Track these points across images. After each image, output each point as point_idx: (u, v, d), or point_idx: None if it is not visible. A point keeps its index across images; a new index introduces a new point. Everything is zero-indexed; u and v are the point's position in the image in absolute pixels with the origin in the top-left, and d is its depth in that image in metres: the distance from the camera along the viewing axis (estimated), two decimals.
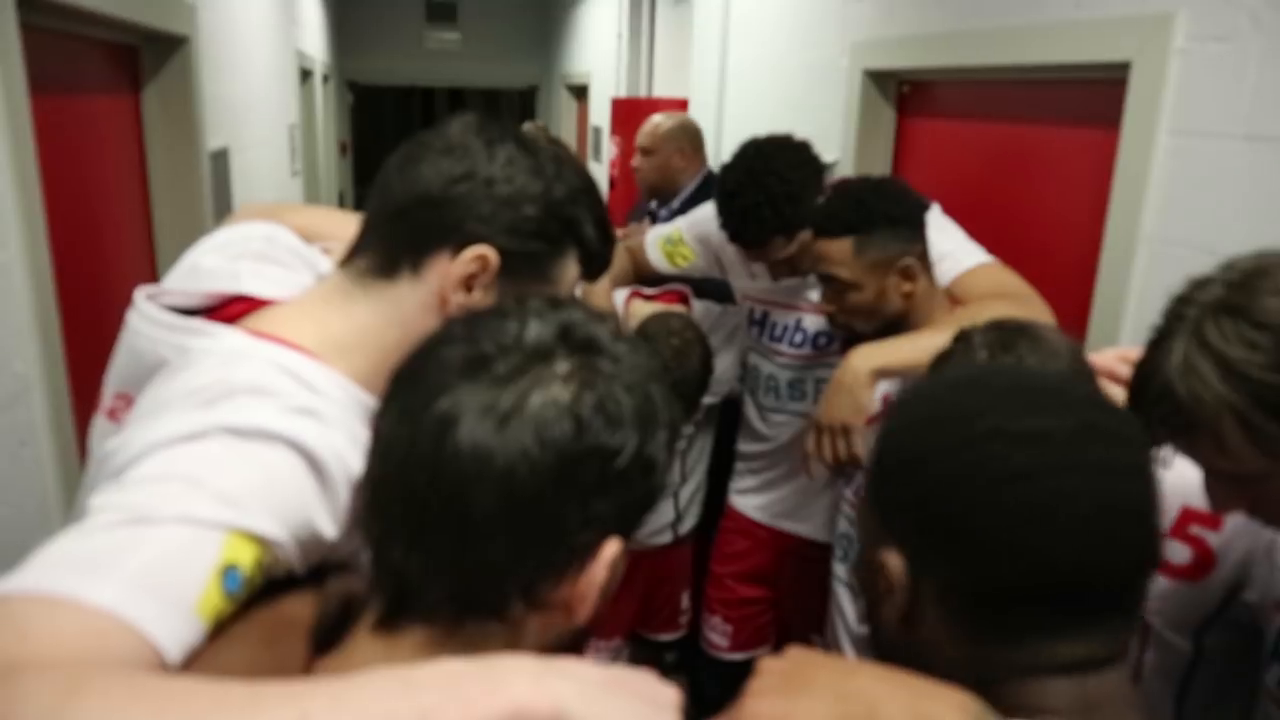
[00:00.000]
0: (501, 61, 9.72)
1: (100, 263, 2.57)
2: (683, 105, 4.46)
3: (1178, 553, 1.25)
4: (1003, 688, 0.74)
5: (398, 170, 0.97)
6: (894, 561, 0.78)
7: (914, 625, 0.79)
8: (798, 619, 2.39)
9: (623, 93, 6.19)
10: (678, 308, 2.46)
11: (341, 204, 8.70)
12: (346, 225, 1.15)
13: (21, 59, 1.80)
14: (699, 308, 2.52)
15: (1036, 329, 1.33)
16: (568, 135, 8.65)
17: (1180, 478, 1.09)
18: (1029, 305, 1.68)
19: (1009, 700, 0.73)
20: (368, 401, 0.88)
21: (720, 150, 3.61)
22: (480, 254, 0.93)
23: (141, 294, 0.98)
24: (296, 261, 1.10)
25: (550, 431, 0.66)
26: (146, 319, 0.96)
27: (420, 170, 0.95)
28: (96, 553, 0.68)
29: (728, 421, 2.54)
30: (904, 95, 2.92)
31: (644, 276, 2.51)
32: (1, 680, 0.57)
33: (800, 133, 2.08)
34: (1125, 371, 1.05)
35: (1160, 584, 1.25)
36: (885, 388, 1.76)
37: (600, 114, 6.84)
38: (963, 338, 1.35)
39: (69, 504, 1.99)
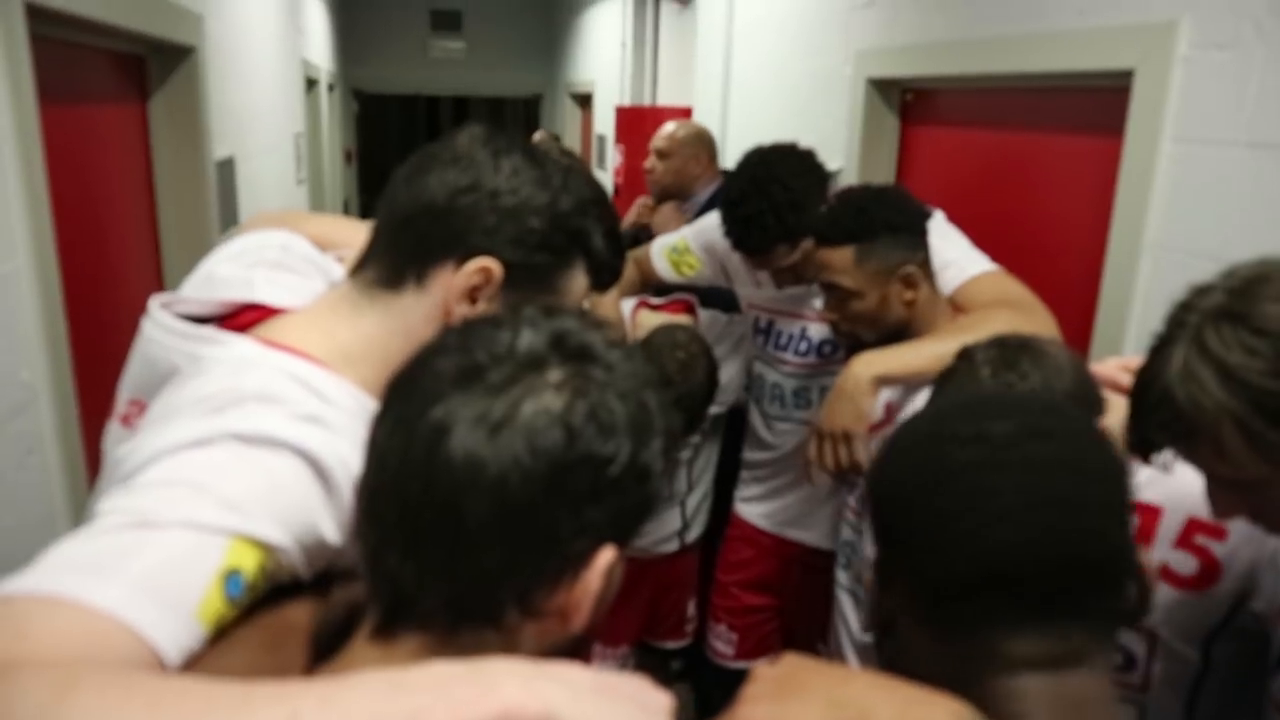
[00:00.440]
0: (506, 70, 9.74)
1: (107, 271, 2.58)
2: (687, 113, 4.47)
3: (1184, 563, 1.25)
4: (979, 688, 0.75)
5: (405, 181, 0.97)
6: (868, 577, 0.82)
7: (893, 631, 0.82)
8: (803, 627, 2.38)
9: (627, 101, 6.20)
10: (684, 318, 2.47)
11: (346, 212, 8.71)
12: (361, 233, 1.16)
13: (31, 69, 1.81)
14: (705, 317, 2.52)
15: (1039, 344, 1.33)
16: (572, 143, 8.66)
17: (1184, 488, 1.09)
18: (1033, 314, 1.68)
19: (986, 700, 0.74)
20: (374, 409, 0.89)
21: (724, 158, 3.61)
22: (484, 266, 0.94)
23: (156, 302, 0.99)
24: (311, 269, 1.11)
25: (542, 440, 0.66)
26: (160, 327, 0.97)
27: (426, 181, 0.95)
28: (100, 555, 0.68)
29: (734, 430, 2.54)
30: (907, 103, 2.92)
31: (650, 285, 2.52)
32: None
33: (804, 141, 2.09)
34: (1127, 380, 1.05)
35: (1167, 594, 1.25)
36: (887, 395, 1.76)
37: (604, 122, 6.85)
38: (965, 355, 1.35)
39: (76, 512, 2.00)
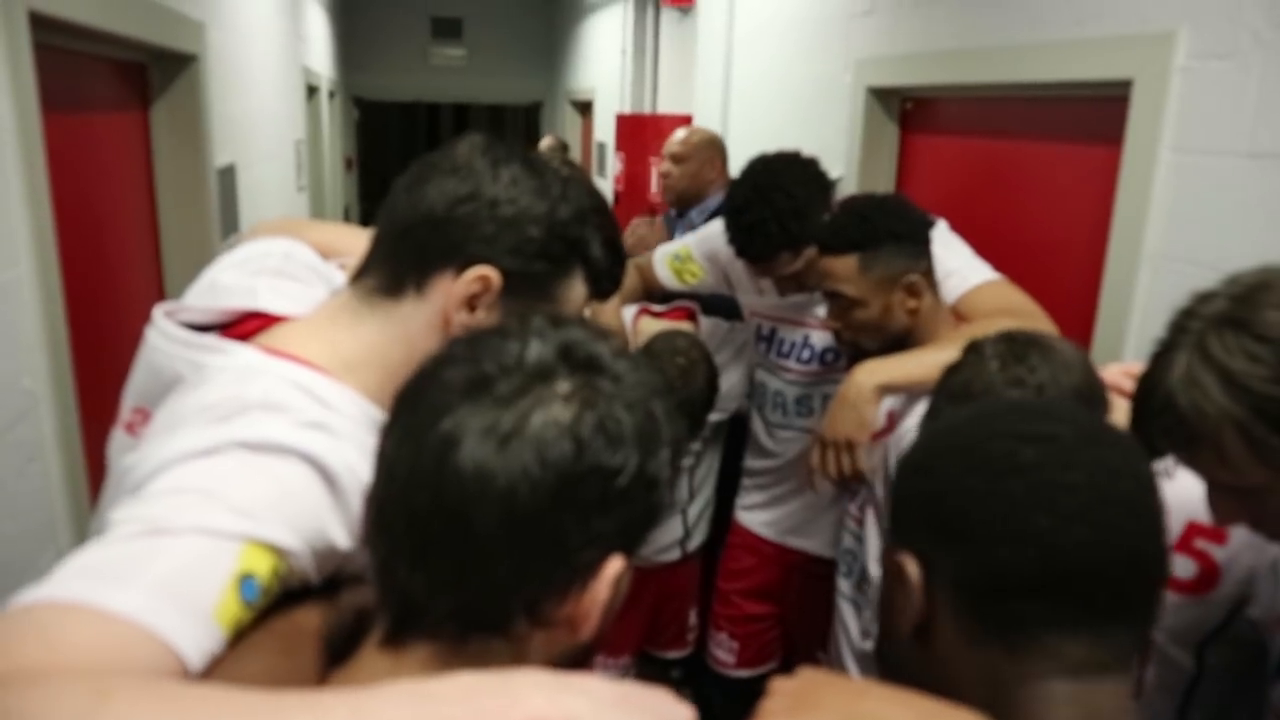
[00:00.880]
0: (506, 77, 9.76)
1: (109, 278, 2.58)
2: (687, 121, 4.48)
3: (1182, 567, 1.25)
4: (1012, 697, 0.75)
5: (405, 190, 0.98)
6: (912, 569, 0.80)
7: (928, 635, 0.81)
8: (804, 635, 2.38)
9: (627, 108, 6.21)
10: (685, 325, 2.47)
11: (347, 219, 8.72)
12: (362, 241, 1.16)
13: (34, 77, 1.82)
14: (707, 324, 2.52)
15: (1048, 340, 1.33)
16: (572, 151, 8.67)
17: (1185, 493, 1.09)
18: (1034, 322, 1.68)
19: (1012, 705, 0.74)
20: (377, 415, 0.90)
21: None
22: (483, 274, 0.94)
23: (160, 311, 1.00)
24: (313, 277, 1.12)
25: (551, 452, 0.67)
26: (164, 335, 0.98)
27: (426, 190, 0.96)
28: (118, 563, 0.69)
29: (735, 438, 2.54)
30: (907, 112, 2.93)
31: (652, 293, 2.52)
32: (31, 686, 0.58)
33: (804, 149, 2.09)
34: (1129, 386, 1.06)
35: (1165, 598, 1.25)
36: (890, 404, 1.76)
37: (605, 130, 6.86)
38: (974, 348, 1.35)
39: (76, 519, 2.00)
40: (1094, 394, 1.29)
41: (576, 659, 0.75)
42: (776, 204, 1.91)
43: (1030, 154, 2.38)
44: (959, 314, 1.80)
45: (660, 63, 5.93)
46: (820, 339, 2.18)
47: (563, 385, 0.70)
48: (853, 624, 1.98)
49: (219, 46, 3.34)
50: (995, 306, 1.75)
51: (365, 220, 9.05)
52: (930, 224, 1.79)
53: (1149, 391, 0.97)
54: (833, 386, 2.07)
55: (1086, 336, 1.97)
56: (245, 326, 1.00)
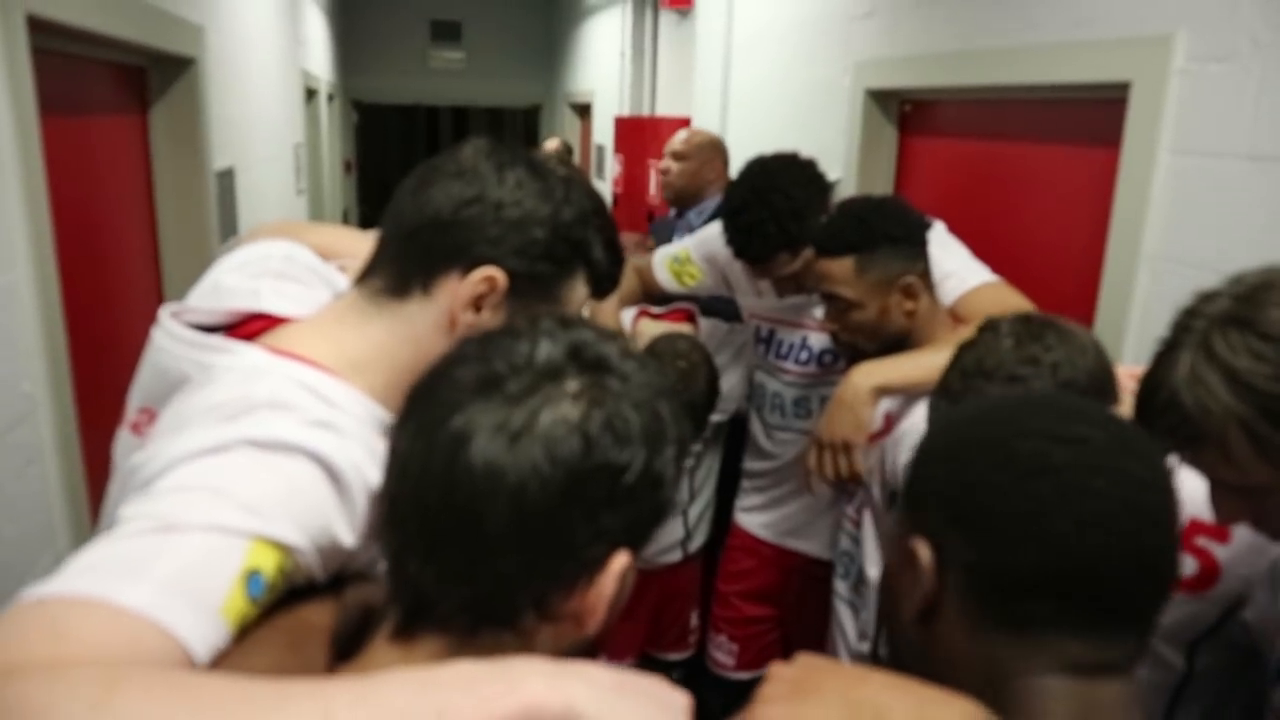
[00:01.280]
0: (505, 80, 9.77)
1: (107, 282, 2.58)
2: (686, 124, 4.48)
3: (1183, 564, 1.25)
4: (1008, 687, 0.76)
5: (411, 193, 0.99)
6: (924, 552, 0.81)
7: (932, 620, 0.81)
8: (803, 637, 2.38)
9: (626, 111, 6.22)
10: (685, 326, 2.47)
11: (346, 221, 8.73)
12: (362, 243, 1.18)
13: (32, 81, 1.82)
14: (706, 325, 2.53)
15: (1064, 322, 1.33)
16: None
17: (1189, 491, 1.09)
18: None
19: (1014, 701, 0.75)
20: (383, 416, 0.91)
21: None
22: (488, 275, 0.95)
23: (166, 311, 1.01)
24: (315, 279, 1.13)
25: (560, 449, 0.68)
26: (170, 336, 0.99)
27: (432, 193, 0.97)
28: (126, 558, 0.70)
29: (736, 439, 2.54)
30: (906, 114, 2.93)
31: (651, 295, 2.52)
32: (42, 676, 0.59)
33: (803, 151, 2.09)
34: (1132, 386, 1.06)
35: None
36: (886, 405, 1.76)
37: (603, 132, 6.87)
38: (990, 325, 1.35)
39: (75, 522, 2.00)
40: (1106, 379, 1.28)
41: (583, 653, 0.76)
42: (775, 205, 1.91)
43: (1029, 156, 2.38)
44: (956, 316, 1.80)
45: (659, 65, 5.93)
46: (818, 340, 2.18)
47: (572, 384, 0.72)
48: (849, 626, 1.98)
49: (218, 50, 3.34)
50: (993, 308, 1.75)
51: (364, 223, 9.06)
52: (927, 226, 1.79)
53: (1152, 390, 0.97)
54: (831, 388, 2.07)
55: None
56: (249, 328, 1.01)
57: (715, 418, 2.40)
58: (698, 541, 2.60)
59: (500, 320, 0.96)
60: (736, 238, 2.00)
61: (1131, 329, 1.88)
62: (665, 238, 3.16)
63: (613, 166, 5.89)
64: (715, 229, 2.21)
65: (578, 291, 1.03)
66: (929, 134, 2.85)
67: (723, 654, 2.52)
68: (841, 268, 1.72)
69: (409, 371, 0.80)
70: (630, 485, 0.71)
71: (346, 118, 9.43)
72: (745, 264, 2.07)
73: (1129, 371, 1.33)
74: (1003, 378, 1.24)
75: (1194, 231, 1.76)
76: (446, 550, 0.71)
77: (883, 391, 1.67)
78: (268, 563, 0.75)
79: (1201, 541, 1.24)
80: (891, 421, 1.77)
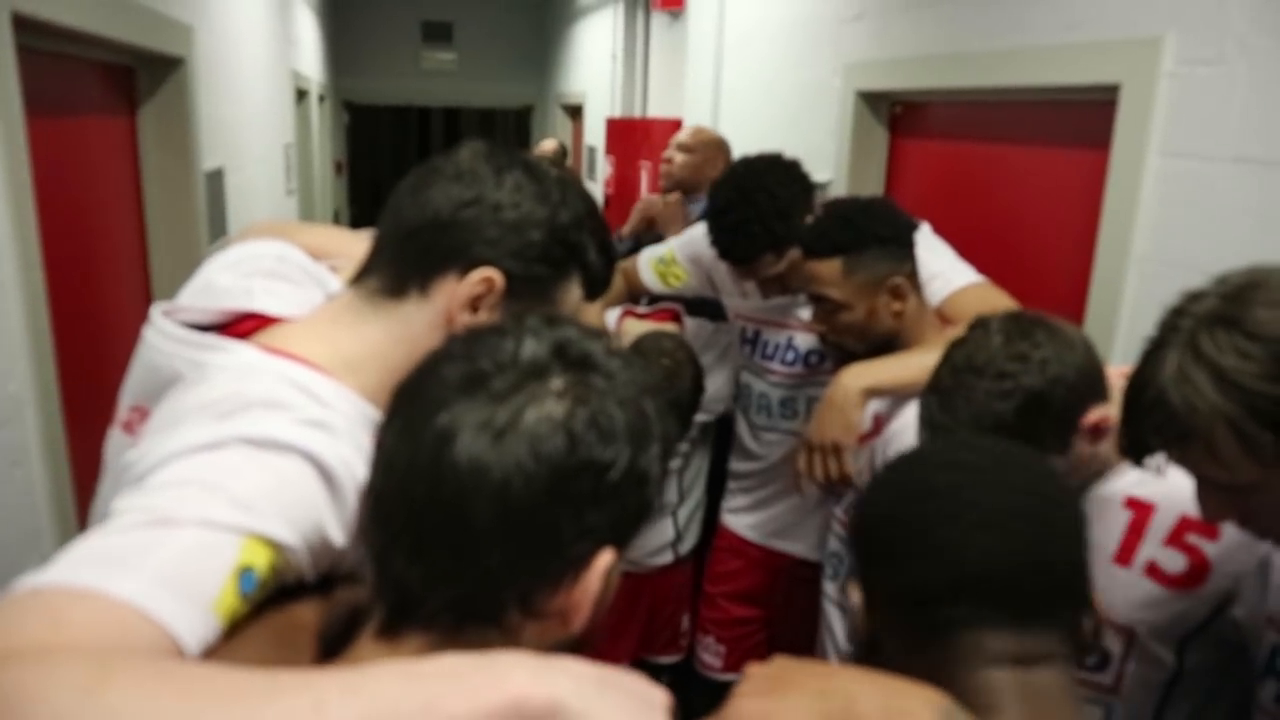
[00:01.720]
0: (497, 81, 9.76)
1: (95, 283, 2.57)
2: (677, 125, 4.48)
3: (1172, 561, 1.26)
4: (959, 688, 0.80)
5: (409, 194, 1.00)
6: (855, 595, 0.90)
7: (877, 649, 0.89)
8: (790, 638, 2.38)
9: (617, 112, 6.22)
10: (670, 326, 2.46)
11: (337, 222, 8.72)
12: (353, 243, 1.19)
13: (18, 81, 1.81)
14: (691, 325, 2.52)
15: (1053, 320, 1.34)
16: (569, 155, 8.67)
17: (1180, 488, 1.10)
18: None
19: (961, 694, 0.79)
20: (375, 416, 0.91)
21: None
22: (486, 276, 0.96)
23: (158, 310, 1.01)
24: (306, 279, 1.13)
25: (544, 446, 0.69)
26: (163, 335, 0.99)
27: (431, 195, 0.98)
28: (121, 550, 0.70)
29: (724, 440, 2.54)
30: (896, 116, 2.94)
31: (636, 295, 2.52)
32: (35, 662, 0.60)
33: (794, 153, 2.09)
34: (1121, 385, 1.06)
35: (1152, 592, 1.26)
36: (876, 407, 1.76)
37: (595, 133, 6.87)
38: (980, 323, 1.35)
39: (61, 524, 1.99)
40: (1095, 375, 1.28)
41: (568, 651, 0.77)
42: (759, 205, 1.91)
43: (1019, 158, 2.39)
44: (943, 317, 1.80)
45: (650, 67, 5.93)
46: (804, 341, 2.18)
47: (556, 382, 0.72)
48: (839, 627, 1.98)
49: (207, 50, 3.34)
50: (980, 309, 1.75)
51: (355, 224, 9.04)
52: (914, 227, 1.79)
53: (1140, 388, 0.98)
54: (817, 389, 2.08)
55: None
56: (241, 327, 1.01)
57: (702, 418, 2.39)
58: (689, 543, 2.59)
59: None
60: (721, 238, 2.00)
61: (1121, 329, 1.88)
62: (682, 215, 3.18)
63: (604, 168, 5.89)
64: (700, 230, 2.21)
65: (573, 293, 1.04)
66: (920, 136, 2.86)
67: (710, 655, 2.52)
68: (829, 269, 1.72)
69: (402, 371, 0.81)
70: (615, 483, 0.72)
71: (337, 118, 9.42)
72: (730, 265, 2.07)
73: (1118, 371, 1.34)
74: (993, 374, 1.25)
75: (1182, 233, 1.76)
76: (432, 547, 0.71)
77: (872, 393, 1.67)
78: (260, 560, 0.75)
79: (1192, 539, 1.25)
80: (881, 423, 1.77)
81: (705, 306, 2.50)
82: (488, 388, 0.71)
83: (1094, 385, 1.27)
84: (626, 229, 3.65)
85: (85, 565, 0.69)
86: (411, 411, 0.74)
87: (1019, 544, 0.83)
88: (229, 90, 3.77)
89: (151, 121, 2.96)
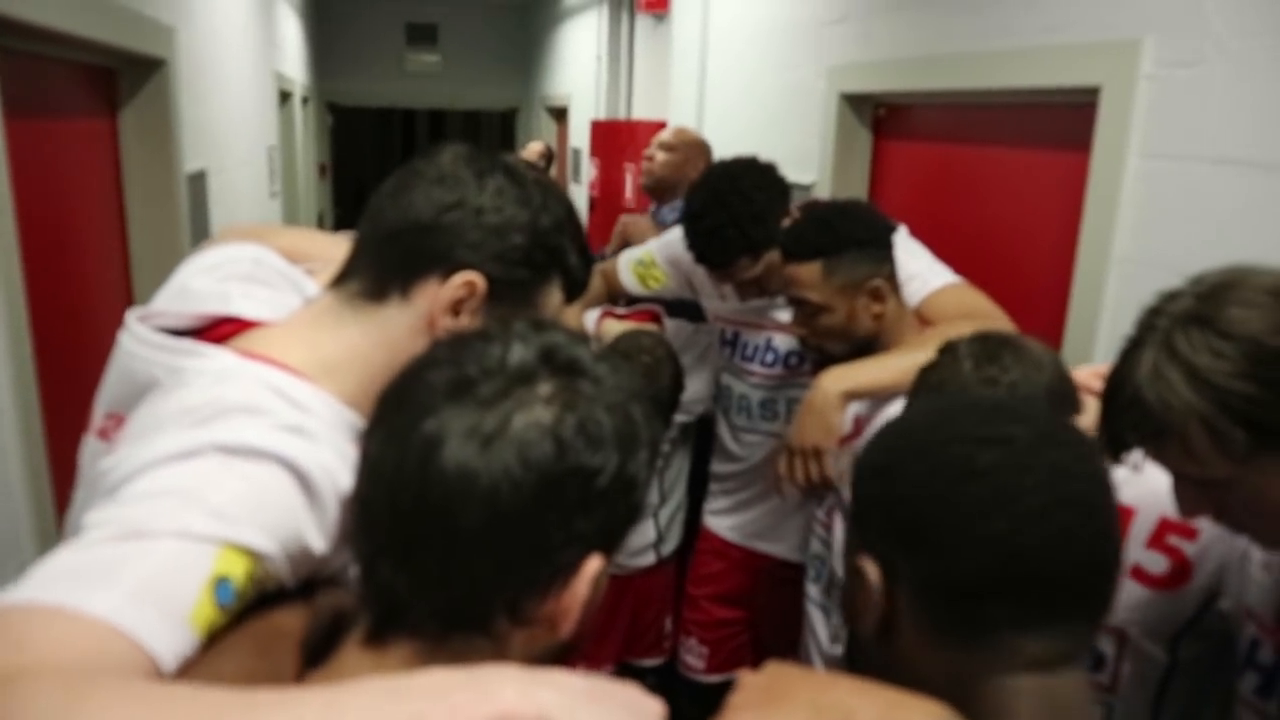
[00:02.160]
0: (482, 84, 9.74)
1: (75, 286, 2.55)
2: (662, 127, 4.48)
3: (1155, 563, 1.27)
4: (973, 690, 0.77)
5: (390, 197, 0.99)
6: (872, 571, 0.82)
7: (891, 635, 0.82)
8: (773, 639, 2.38)
9: (602, 114, 6.21)
10: (650, 327, 2.46)
11: (320, 225, 8.68)
12: (330, 247, 1.18)
13: None
14: (671, 326, 2.52)
15: (1020, 341, 1.35)
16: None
17: (1158, 492, 1.11)
18: (996, 324, 1.69)
19: (978, 699, 0.76)
20: (355, 421, 0.91)
21: None
22: (468, 280, 0.96)
23: (133, 315, 1.00)
24: (283, 283, 1.11)
25: (533, 452, 0.69)
26: (138, 340, 0.98)
27: (412, 198, 0.97)
28: (93, 565, 0.69)
29: (705, 442, 2.54)
30: (880, 118, 2.95)
31: (615, 297, 2.52)
32: (5, 686, 0.58)
33: (778, 155, 2.10)
34: (1099, 386, 1.08)
35: (1138, 594, 1.27)
36: (856, 409, 1.77)
37: (580, 136, 6.87)
38: (949, 349, 1.37)
39: (40, 529, 1.97)
40: (1065, 392, 1.30)
41: (557, 658, 0.76)
42: (734, 209, 1.91)
43: (1001, 159, 2.40)
44: (922, 317, 1.81)
45: (635, 69, 5.93)
46: (783, 342, 2.18)
47: (544, 388, 0.72)
48: (821, 629, 1.99)
49: (189, 51, 3.32)
50: (957, 309, 1.76)
51: (339, 227, 9.01)
52: (893, 229, 1.80)
53: (1117, 387, 0.99)
54: (797, 390, 2.08)
55: (1057, 339, 1.98)
56: (218, 331, 1.00)
57: (682, 418, 2.39)
58: (671, 545, 2.59)
59: (478, 325, 0.96)
60: (697, 243, 2.00)
61: (1102, 330, 1.89)
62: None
63: (589, 170, 5.88)
64: (679, 232, 2.21)
65: (554, 297, 1.04)
66: (903, 138, 2.87)
67: (693, 657, 2.51)
68: (809, 272, 1.73)
69: (383, 376, 0.80)
70: (603, 489, 0.71)
71: (321, 121, 9.39)
72: (706, 268, 2.07)
73: (1095, 371, 1.35)
74: None
75: (1163, 234, 1.77)
76: (419, 555, 0.71)
77: (852, 396, 1.68)
78: (237, 569, 0.75)
79: (1172, 540, 1.26)
80: (861, 425, 1.77)
81: (685, 308, 2.50)
82: (475, 394, 0.71)
83: (1065, 402, 1.29)
84: (609, 249, 3.66)
85: (58, 582, 0.67)
86: (397, 418, 0.73)
87: (1074, 539, 0.76)
88: (211, 92, 3.75)
89: (133, 123, 2.94)
